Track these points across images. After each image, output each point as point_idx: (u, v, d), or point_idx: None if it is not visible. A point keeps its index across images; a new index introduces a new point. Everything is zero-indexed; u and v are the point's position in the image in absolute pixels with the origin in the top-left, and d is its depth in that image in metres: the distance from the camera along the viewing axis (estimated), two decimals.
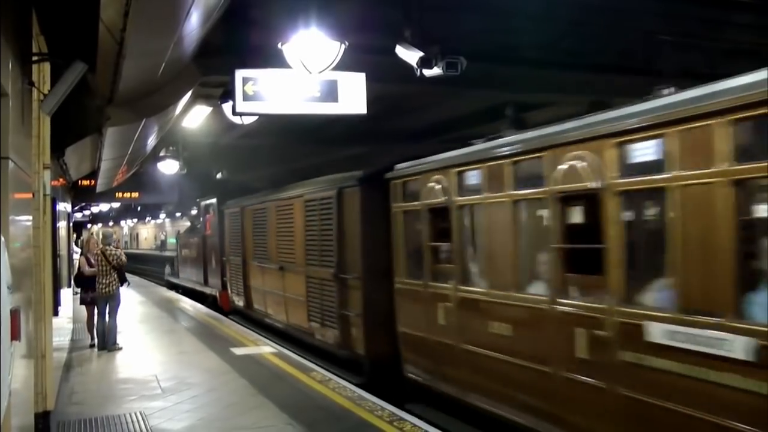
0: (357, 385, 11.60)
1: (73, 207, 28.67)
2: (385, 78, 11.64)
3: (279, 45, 8.55)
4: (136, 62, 7.51)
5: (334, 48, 8.54)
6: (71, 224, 29.08)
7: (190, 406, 10.26)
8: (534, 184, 8.39)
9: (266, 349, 14.90)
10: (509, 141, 9.12)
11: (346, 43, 8.57)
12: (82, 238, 23.75)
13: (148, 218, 72.61)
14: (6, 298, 4.99)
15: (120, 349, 15.00)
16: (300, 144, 22.18)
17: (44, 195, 9.10)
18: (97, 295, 15.13)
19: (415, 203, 11.25)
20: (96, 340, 15.45)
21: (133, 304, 24.51)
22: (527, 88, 14.15)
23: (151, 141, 15.26)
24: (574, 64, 13.17)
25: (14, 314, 5.25)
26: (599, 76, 13.61)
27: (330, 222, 14.04)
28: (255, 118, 12.53)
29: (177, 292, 30.77)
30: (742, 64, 5.69)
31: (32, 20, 7.06)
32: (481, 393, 9.47)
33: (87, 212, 51.80)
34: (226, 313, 22.17)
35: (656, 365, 6.48)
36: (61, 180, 14.89)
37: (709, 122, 5.90)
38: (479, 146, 9.88)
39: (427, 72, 10.35)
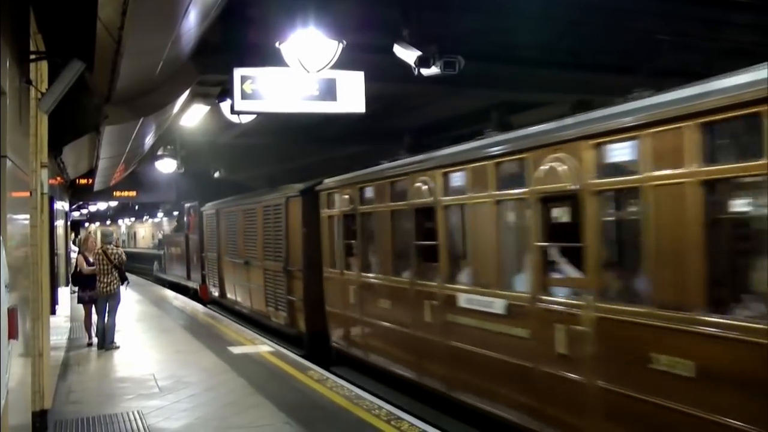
0: (300, 355, 14.45)
1: (70, 205, 28.63)
2: (383, 77, 11.62)
3: (277, 44, 8.54)
4: (133, 61, 7.50)
5: (331, 47, 8.52)
6: (69, 223, 29.06)
7: (187, 405, 10.26)
8: (400, 197, 11.73)
9: (264, 348, 14.91)
10: (392, 165, 12.23)
11: (344, 42, 8.55)
12: (79, 236, 23.84)
13: (145, 217, 72.53)
14: (4, 297, 4.98)
15: (117, 348, 15.00)
16: (298, 143, 22.16)
17: (42, 193, 9.09)
18: (97, 293, 15.15)
19: (334, 210, 14.31)
20: (95, 339, 15.47)
21: (130, 302, 24.49)
22: (525, 88, 14.14)
23: (149, 140, 15.25)
24: (573, 63, 13.17)
25: (12, 313, 5.25)
26: (598, 76, 13.60)
27: (280, 224, 17.37)
28: (253, 116, 12.53)
29: (164, 286, 33.70)
30: (741, 64, 5.70)
31: (30, 19, 7.04)
32: (375, 352, 12.73)
33: (84, 211, 51.80)
34: (204, 303, 25.03)
35: (461, 321, 9.83)
36: (58, 178, 14.86)
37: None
38: (375, 168, 12.72)
39: (425, 71, 10.35)
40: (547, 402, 8.08)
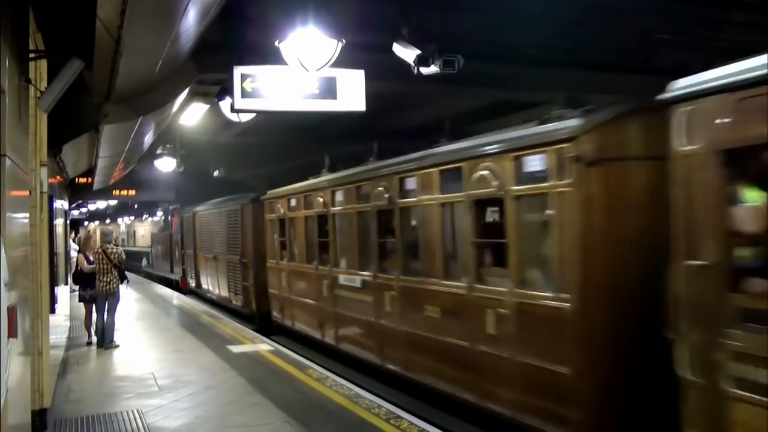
0: (253, 329, 18.31)
1: (70, 204, 28.62)
2: (383, 76, 11.61)
3: (276, 43, 8.53)
4: (133, 59, 7.50)
5: (331, 46, 8.52)
6: (68, 221, 29.04)
7: (186, 403, 10.26)
8: (309, 206, 16.17)
9: (263, 346, 14.91)
10: (304, 183, 16.75)
11: (344, 41, 8.54)
12: (79, 235, 23.75)
13: (145, 216, 72.60)
14: (3, 296, 4.98)
15: (117, 346, 15.01)
16: (298, 142, 22.16)
17: (41, 192, 9.09)
18: (97, 292, 15.16)
19: (272, 215, 18.78)
20: (95, 338, 15.47)
21: (130, 301, 24.50)
22: (525, 87, 14.14)
23: (148, 138, 15.24)
24: (573, 62, 13.16)
25: (11, 311, 5.25)
26: (598, 75, 13.59)
27: (238, 226, 22.02)
28: (252, 115, 12.54)
29: (152, 280, 38.13)
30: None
31: (29, 17, 7.04)
32: (296, 320, 17.26)
33: (84, 209, 51.82)
34: (184, 293, 29.36)
35: (341, 294, 14.18)
36: (58, 177, 14.85)
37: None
38: (299, 184, 16.99)
39: (424, 70, 10.33)
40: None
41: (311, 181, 16.23)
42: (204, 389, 11.14)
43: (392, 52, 10.49)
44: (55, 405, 10.16)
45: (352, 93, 10.43)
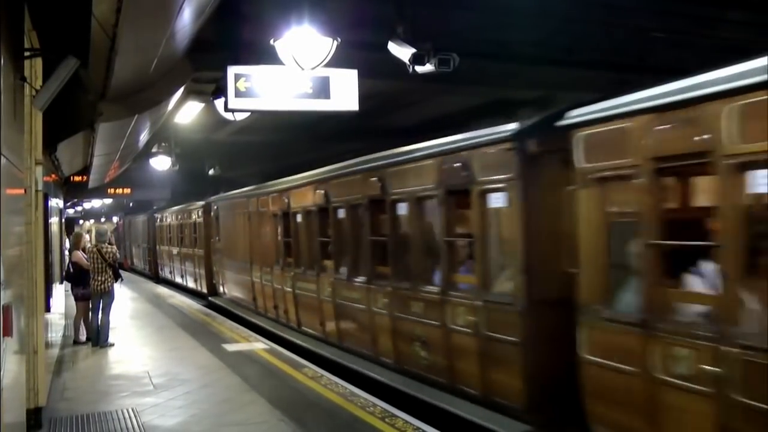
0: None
1: (65, 203, 28.62)
2: (378, 74, 11.62)
3: (271, 41, 8.53)
4: (128, 58, 7.49)
5: (326, 44, 8.52)
6: (63, 220, 29.03)
7: (182, 402, 10.26)
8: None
9: (258, 345, 14.91)
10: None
11: (339, 40, 8.55)
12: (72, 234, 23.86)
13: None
14: None
15: (112, 345, 14.99)
16: (293, 140, 22.16)
17: (36, 191, 9.09)
18: (92, 292, 15.13)
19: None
20: (83, 337, 15.45)
21: (124, 300, 24.46)
22: (520, 85, 14.16)
23: (144, 137, 15.23)
24: (568, 60, 13.19)
25: (6, 310, 5.25)
26: (592, 73, 13.63)
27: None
28: (247, 114, 12.52)
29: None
30: (734, 61, 5.72)
31: (24, 15, 7.04)
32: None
33: (79, 208, 51.81)
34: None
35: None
36: (53, 176, 14.85)
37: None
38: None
39: (419, 68, 10.34)
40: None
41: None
42: (199, 388, 11.14)
43: (387, 50, 10.49)
44: (50, 403, 10.15)
45: (345, 93, 10.42)
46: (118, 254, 15.61)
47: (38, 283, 9.17)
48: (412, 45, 10.28)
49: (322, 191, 14.42)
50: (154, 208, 39.98)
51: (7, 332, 5.30)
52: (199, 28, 8.10)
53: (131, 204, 50.18)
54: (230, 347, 14.67)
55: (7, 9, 5.93)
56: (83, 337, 15.51)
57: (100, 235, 15.84)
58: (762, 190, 5.52)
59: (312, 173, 15.42)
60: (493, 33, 12.05)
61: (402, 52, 10.36)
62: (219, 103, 11.34)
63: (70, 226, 41.17)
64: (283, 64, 8.83)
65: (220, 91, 10.81)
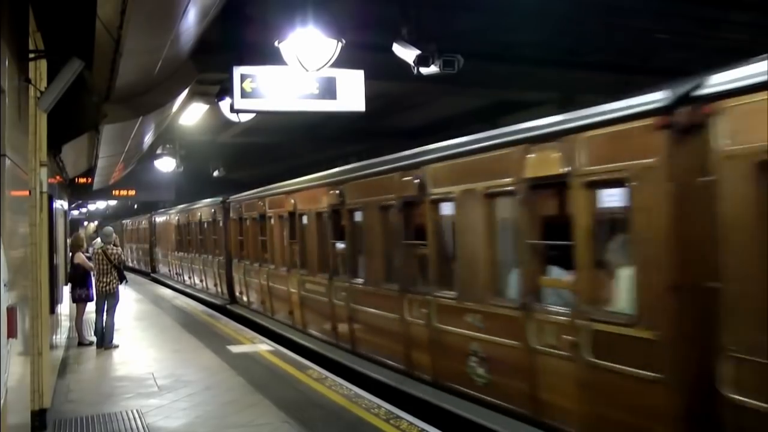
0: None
1: (69, 204, 28.63)
2: (382, 76, 11.62)
3: (276, 43, 8.54)
4: (133, 59, 7.50)
5: (330, 46, 8.52)
6: (68, 222, 29.01)
7: (186, 404, 10.26)
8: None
9: (263, 347, 14.91)
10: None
11: (343, 41, 8.55)
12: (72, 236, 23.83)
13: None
14: (3, 296, 4.99)
15: (116, 347, 15.00)
16: (298, 141, 22.17)
17: (41, 192, 9.09)
18: (96, 293, 15.17)
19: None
20: (87, 339, 15.47)
21: (129, 301, 24.50)
22: (524, 86, 14.16)
23: (148, 138, 15.24)
24: (572, 62, 13.18)
25: (11, 312, 5.25)
26: (596, 74, 13.62)
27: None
28: (252, 115, 12.52)
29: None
30: (738, 62, 5.72)
31: (29, 17, 7.04)
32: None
33: (84, 210, 51.87)
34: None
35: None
36: (57, 177, 14.84)
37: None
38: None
39: (424, 70, 10.34)
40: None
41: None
42: (203, 389, 11.15)
43: (392, 52, 10.49)
44: (55, 405, 10.16)
45: (351, 93, 10.43)
46: (123, 255, 15.62)
47: (43, 285, 9.18)
48: (417, 46, 10.28)
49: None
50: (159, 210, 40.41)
51: (12, 334, 5.30)
52: (204, 30, 8.12)
53: (135, 206, 50.79)
54: (234, 349, 14.68)
55: (11, 11, 5.93)
56: (90, 338, 15.52)
57: (105, 237, 15.85)
58: None
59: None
60: (497, 34, 12.04)
61: (406, 53, 10.36)
62: (224, 104, 11.35)
63: (74, 228, 41.27)
64: (288, 65, 8.84)
65: (225, 92, 10.81)
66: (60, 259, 15.01)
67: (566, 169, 7.61)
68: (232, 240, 22.84)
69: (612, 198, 7.63)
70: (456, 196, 9.74)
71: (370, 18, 11.09)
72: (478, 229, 9.25)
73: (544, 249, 8.35)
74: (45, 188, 9.65)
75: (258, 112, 11.64)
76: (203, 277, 27.31)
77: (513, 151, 8.49)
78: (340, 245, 13.93)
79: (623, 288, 7.23)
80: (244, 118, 12.83)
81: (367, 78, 10.50)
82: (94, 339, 15.41)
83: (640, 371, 6.67)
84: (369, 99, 10.64)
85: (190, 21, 6.93)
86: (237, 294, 22.56)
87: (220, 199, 23.87)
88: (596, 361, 7.21)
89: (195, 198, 29.28)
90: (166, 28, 6.80)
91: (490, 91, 15.00)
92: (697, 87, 6.10)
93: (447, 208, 10.28)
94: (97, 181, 22.34)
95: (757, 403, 5.50)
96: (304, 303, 15.79)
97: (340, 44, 8.52)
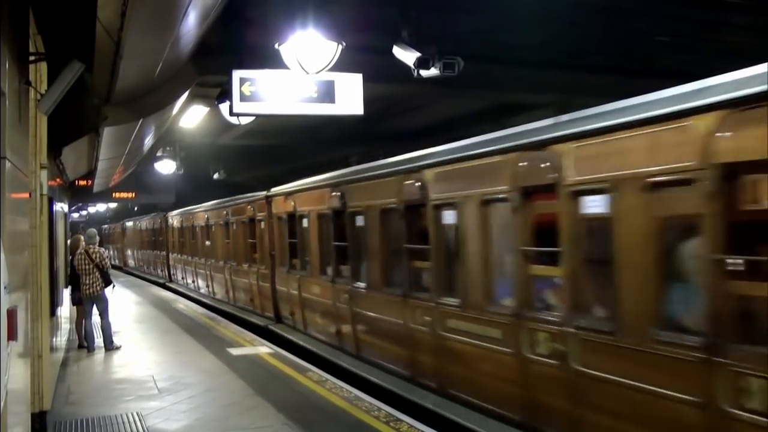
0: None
1: (70, 207, 28.65)
2: (382, 78, 11.64)
3: (276, 45, 8.54)
4: (133, 62, 7.51)
5: (331, 48, 8.53)
6: (68, 224, 29.04)
7: (186, 406, 10.26)
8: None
9: (263, 349, 14.90)
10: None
11: (344, 44, 8.56)
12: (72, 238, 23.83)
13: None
14: (3, 298, 4.98)
15: (119, 348, 14.98)
16: (297, 144, 22.19)
17: (41, 194, 9.09)
18: (83, 296, 15.06)
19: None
20: (80, 343, 15.39)
21: (129, 303, 24.54)
22: (524, 89, 14.16)
23: (148, 141, 15.26)
24: (572, 64, 13.18)
25: (11, 314, 5.25)
26: (596, 77, 13.62)
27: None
28: (252, 118, 12.53)
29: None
30: (738, 65, 5.71)
31: (29, 20, 7.04)
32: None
33: (84, 212, 51.91)
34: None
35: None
36: (58, 180, 14.83)
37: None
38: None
39: (424, 72, 10.34)
40: None
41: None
42: (204, 392, 11.14)
43: (392, 54, 10.50)
44: (55, 407, 10.15)
45: (350, 96, 10.44)
46: (106, 255, 15.49)
47: (43, 287, 9.17)
48: (417, 49, 10.29)
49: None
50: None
51: (12, 336, 5.29)
52: (204, 32, 8.13)
53: (135, 208, 51.06)
54: (235, 351, 14.66)
55: (12, 13, 5.93)
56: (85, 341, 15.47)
57: (89, 238, 15.77)
58: None
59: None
60: (497, 37, 12.05)
61: (407, 56, 10.37)
62: (224, 106, 11.35)
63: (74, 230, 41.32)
64: (288, 68, 8.84)
65: (225, 95, 10.81)
66: (60, 262, 14.98)
67: None
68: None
69: None
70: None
71: (370, 20, 11.10)
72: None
73: None
74: (45, 191, 9.64)
75: (257, 116, 11.64)
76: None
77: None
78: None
79: None
80: (245, 120, 12.83)
81: (368, 80, 10.51)
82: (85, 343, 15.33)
83: None
84: (369, 101, 10.65)
85: (191, 23, 6.94)
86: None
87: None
88: None
89: (195, 201, 29.25)
90: (166, 30, 6.81)
91: (490, 93, 15.00)
92: None
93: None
94: (98, 184, 22.36)
95: None
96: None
97: (340, 47, 8.54)
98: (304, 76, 8.97)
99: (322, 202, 14.34)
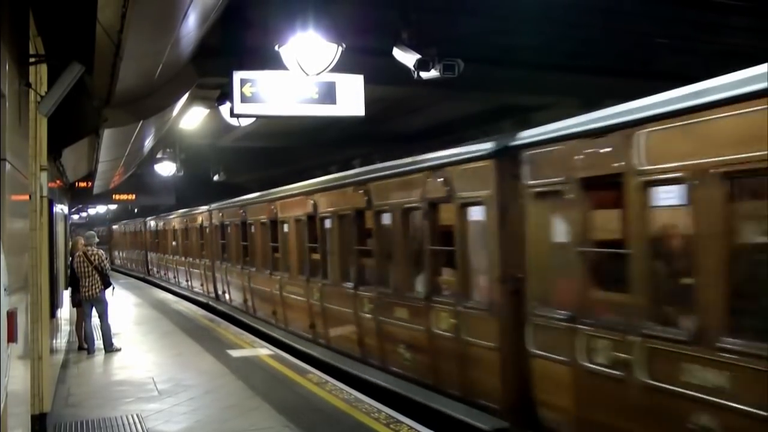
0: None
1: (70, 209, 28.66)
2: (383, 80, 11.64)
3: (276, 47, 8.54)
4: (133, 63, 7.51)
5: (331, 50, 8.53)
6: (68, 226, 29.07)
7: (187, 408, 10.25)
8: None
9: (263, 351, 14.89)
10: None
11: (344, 46, 8.56)
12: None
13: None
14: (3, 300, 4.98)
15: (119, 350, 14.97)
16: (297, 146, 22.19)
17: (41, 196, 9.09)
18: (82, 298, 15.06)
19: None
20: (80, 345, 15.38)
21: (128, 305, 24.54)
22: (525, 91, 14.16)
23: (149, 143, 15.26)
24: (572, 66, 13.18)
25: (11, 316, 5.25)
26: (597, 79, 13.63)
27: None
28: (252, 120, 12.53)
29: None
30: (738, 67, 5.72)
31: (29, 21, 7.04)
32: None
33: (84, 214, 51.97)
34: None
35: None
36: (58, 181, 14.83)
37: None
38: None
39: (424, 74, 10.33)
40: None
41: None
42: (204, 393, 11.13)
43: (392, 56, 10.49)
44: (55, 409, 10.15)
45: (351, 98, 10.44)
46: (104, 257, 15.50)
47: (43, 289, 9.17)
48: (417, 51, 10.28)
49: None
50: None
51: (12, 338, 5.29)
52: (204, 34, 8.13)
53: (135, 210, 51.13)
54: (235, 353, 14.66)
55: (12, 15, 5.93)
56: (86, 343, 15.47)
57: (87, 239, 15.75)
58: None
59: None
60: (497, 39, 12.04)
61: (407, 57, 10.36)
62: (224, 108, 11.36)
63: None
64: (288, 70, 8.84)
65: (225, 96, 10.82)
66: (60, 264, 14.98)
67: None
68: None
69: None
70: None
71: (370, 22, 11.10)
72: None
73: None
74: (45, 192, 9.65)
75: (258, 117, 11.64)
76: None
77: None
78: None
79: None
80: (245, 122, 12.84)
81: (368, 82, 10.51)
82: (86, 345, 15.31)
83: None
84: (369, 103, 10.65)
85: (191, 25, 6.94)
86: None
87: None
88: None
89: (196, 203, 29.26)
90: (166, 31, 6.81)
91: (490, 95, 15.00)
92: None
93: None
94: (98, 185, 22.36)
95: None
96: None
97: (340, 48, 8.53)
98: (305, 77, 8.97)
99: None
